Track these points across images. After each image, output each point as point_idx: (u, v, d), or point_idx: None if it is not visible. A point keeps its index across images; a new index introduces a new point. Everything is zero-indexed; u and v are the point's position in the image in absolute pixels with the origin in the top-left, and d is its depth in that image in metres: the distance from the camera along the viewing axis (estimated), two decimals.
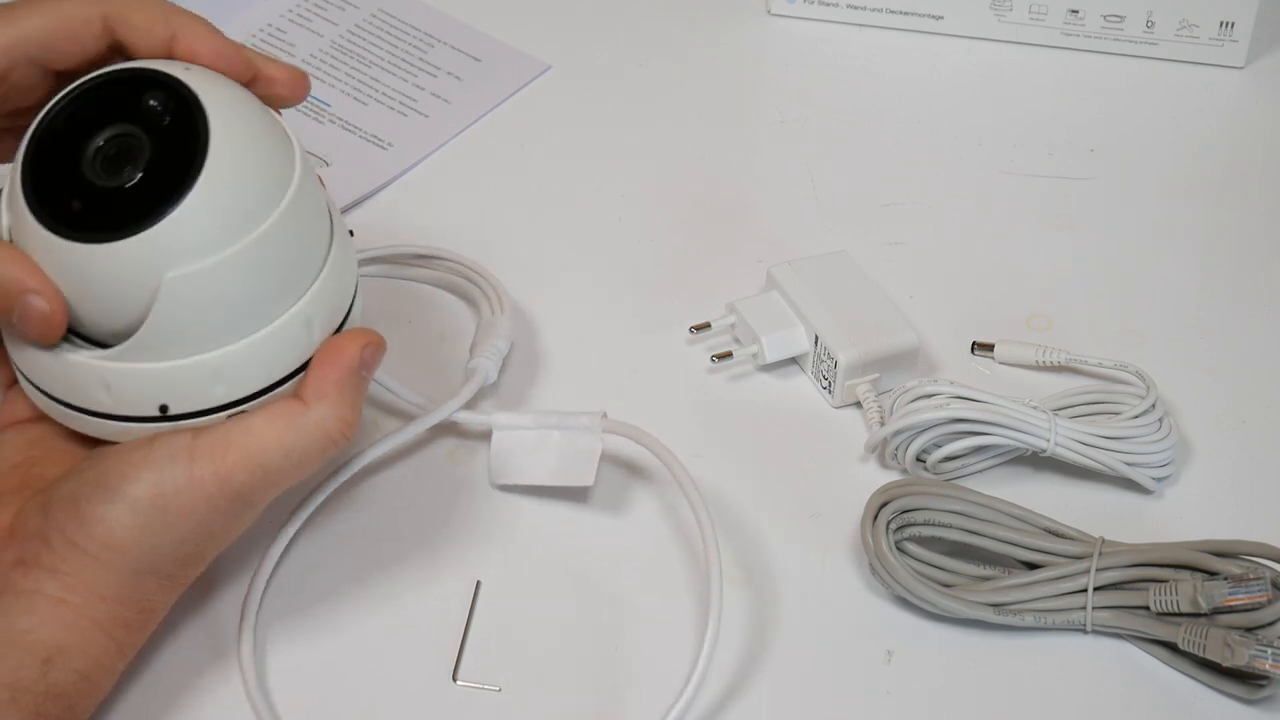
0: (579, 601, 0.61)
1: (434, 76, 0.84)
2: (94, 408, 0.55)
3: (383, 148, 0.80)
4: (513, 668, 0.59)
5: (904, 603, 0.61)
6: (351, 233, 0.60)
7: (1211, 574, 0.59)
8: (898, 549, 0.61)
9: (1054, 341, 0.70)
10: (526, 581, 0.62)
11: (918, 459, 0.65)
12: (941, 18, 0.87)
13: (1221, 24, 0.85)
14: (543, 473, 0.64)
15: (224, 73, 0.56)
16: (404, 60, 0.85)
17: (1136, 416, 0.65)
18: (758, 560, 0.63)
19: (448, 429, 0.67)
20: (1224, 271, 0.76)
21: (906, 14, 0.87)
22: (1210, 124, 0.84)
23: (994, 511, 0.61)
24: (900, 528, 0.61)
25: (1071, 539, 0.61)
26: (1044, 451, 0.64)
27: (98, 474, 0.54)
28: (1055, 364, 0.70)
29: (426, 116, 0.82)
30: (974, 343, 0.71)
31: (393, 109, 0.82)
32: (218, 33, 0.57)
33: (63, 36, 0.56)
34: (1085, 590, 0.60)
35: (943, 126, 0.83)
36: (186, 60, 0.56)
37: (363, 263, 0.70)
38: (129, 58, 0.57)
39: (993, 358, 0.71)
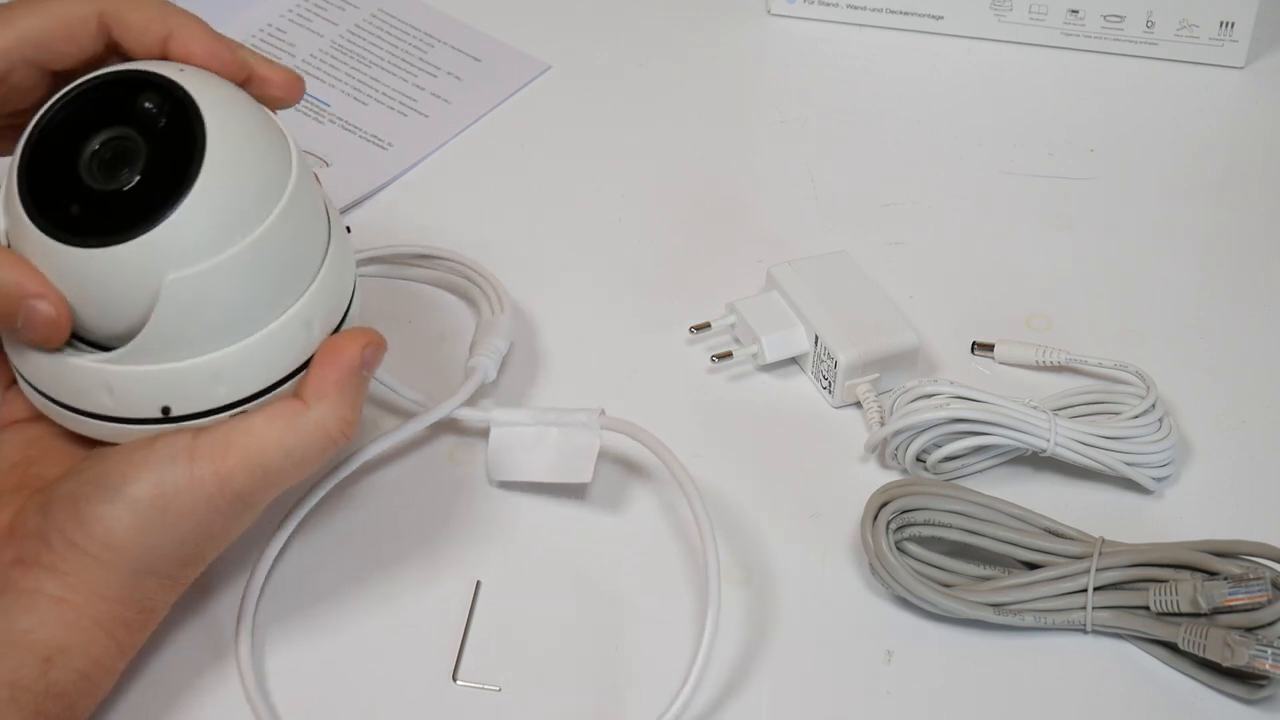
0: (579, 601, 0.61)
1: (434, 76, 0.84)
2: (96, 410, 0.55)
3: (383, 148, 0.80)
4: (513, 668, 0.59)
5: (904, 603, 0.61)
6: (349, 229, 0.60)
7: (1211, 574, 0.59)
8: (898, 549, 0.61)
9: (1054, 341, 0.70)
10: (526, 581, 0.62)
11: (918, 459, 0.65)
12: (941, 18, 0.87)
13: (1221, 24, 0.85)
14: (541, 469, 0.64)
15: (218, 72, 0.56)
16: (404, 60, 0.85)
17: (1136, 416, 0.65)
18: (757, 560, 0.63)
19: (447, 428, 0.67)
20: (1224, 271, 0.76)
21: (906, 14, 0.87)
22: (1210, 124, 0.84)
23: (994, 511, 0.61)
24: (900, 528, 0.61)
25: (1071, 539, 0.61)
26: (1044, 451, 0.64)
27: (98, 474, 0.54)
28: (1055, 364, 0.70)
29: (426, 116, 0.82)
30: (974, 343, 0.71)
31: (393, 109, 0.82)
32: (213, 32, 0.57)
33: (60, 36, 0.56)
34: (1085, 590, 0.60)
35: (943, 126, 0.83)
36: (181, 60, 0.56)
37: (362, 262, 0.70)
38: (125, 57, 0.57)
39: (993, 358, 0.71)
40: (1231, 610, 0.58)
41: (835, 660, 0.60)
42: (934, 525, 0.61)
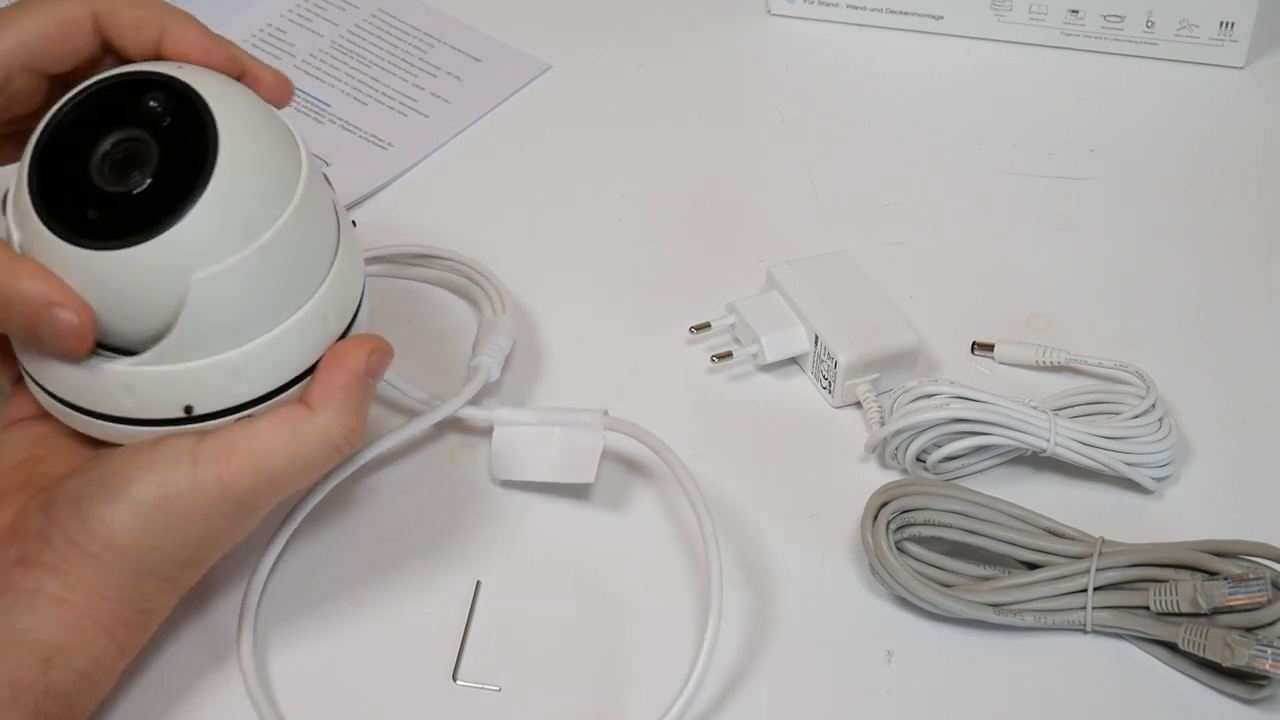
0: (579, 601, 0.61)
1: (434, 76, 0.84)
2: (116, 413, 0.55)
3: (383, 148, 0.80)
4: (513, 668, 0.59)
5: (904, 603, 0.61)
6: (354, 223, 0.60)
7: (1211, 574, 0.59)
8: (898, 549, 0.61)
9: (1054, 341, 0.70)
10: (527, 581, 0.62)
11: (918, 459, 0.65)
12: (941, 18, 0.87)
13: (1221, 24, 0.85)
14: (544, 469, 0.64)
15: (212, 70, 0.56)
16: (404, 60, 0.85)
17: (1136, 416, 0.65)
18: (758, 560, 0.63)
19: (450, 427, 0.67)
20: (1224, 271, 0.76)
21: (906, 14, 0.87)
22: (1210, 124, 0.84)
23: (994, 511, 0.61)
24: (900, 528, 0.61)
25: (1071, 539, 0.61)
26: (1044, 451, 0.64)
27: (102, 474, 0.53)
28: (1055, 364, 0.70)
29: (426, 116, 0.82)
30: (974, 343, 0.71)
31: (393, 109, 0.82)
32: (206, 30, 0.57)
33: (58, 38, 0.56)
34: (1085, 590, 0.60)
35: (943, 126, 0.83)
36: (175, 58, 0.56)
37: (365, 262, 0.70)
38: (119, 56, 0.57)
39: (993, 358, 0.71)
40: (1231, 610, 0.58)
41: (835, 660, 0.60)
42: (934, 525, 0.61)
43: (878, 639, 0.61)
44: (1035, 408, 0.64)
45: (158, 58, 0.56)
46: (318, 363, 0.56)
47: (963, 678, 0.60)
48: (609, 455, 0.65)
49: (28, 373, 0.56)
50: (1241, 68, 0.86)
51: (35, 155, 0.54)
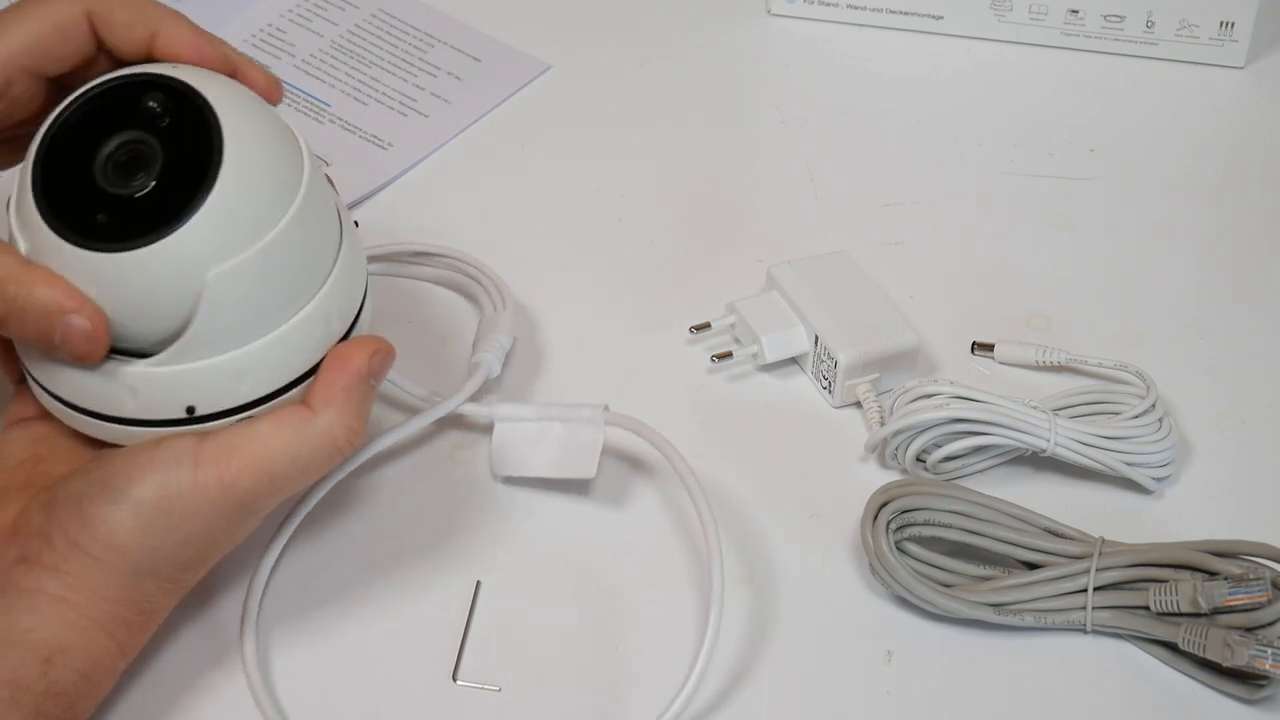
0: (580, 600, 0.61)
1: (434, 76, 0.84)
2: (118, 413, 0.55)
3: (383, 148, 0.80)
4: (513, 668, 0.59)
5: (904, 603, 0.61)
6: (356, 223, 0.60)
7: (1211, 574, 0.59)
8: (898, 549, 0.61)
9: (1054, 341, 0.70)
10: (527, 580, 0.62)
11: (918, 459, 0.65)
12: (941, 18, 0.87)
13: (1221, 24, 0.85)
14: (545, 465, 0.64)
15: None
16: (404, 60, 0.85)
17: (1136, 416, 0.65)
18: (758, 560, 0.63)
19: (451, 425, 0.67)
20: (1224, 271, 0.76)
21: (906, 14, 0.87)
22: (1210, 124, 0.84)
23: (994, 511, 0.61)
24: (900, 528, 0.61)
25: (1071, 539, 0.61)
26: (1044, 451, 0.64)
27: (103, 474, 0.54)
28: (1055, 364, 0.70)
29: (426, 116, 0.82)
30: (974, 343, 0.71)
31: (393, 109, 0.82)
32: (198, 30, 0.57)
33: (56, 40, 0.56)
34: (1085, 590, 0.60)
35: (943, 126, 0.83)
36: (167, 58, 0.56)
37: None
38: (112, 56, 0.57)
39: (993, 358, 0.71)
40: (1231, 610, 0.58)
41: (835, 660, 0.60)
42: (934, 525, 0.61)
43: (878, 639, 0.61)
44: (1035, 408, 0.64)
45: (150, 57, 0.56)
46: (320, 364, 0.56)
47: (963, 678, 0.60)
48: (610, 451, 0.65)
49: (30, 373, 0.56)
50: (1241, 68, 0.86)
51: (39, 160, 0.54)
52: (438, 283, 0.73)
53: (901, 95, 0.85)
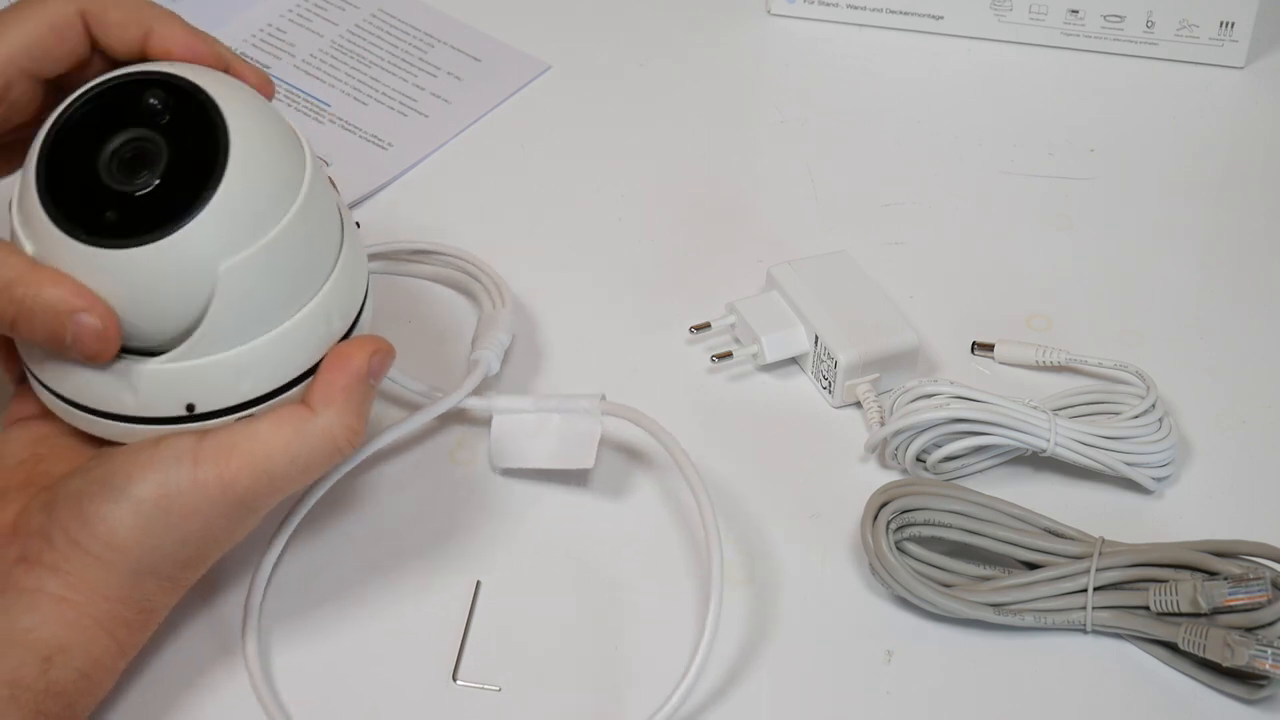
0: (579, 594, 0.61)
1: (434, 76, 0.84)
2: (118, 411, 0.55)
3: (383, 148, 0.80)
4: (513, 668, 0.59)
5: (904, 603, 0.61)
6: (357, 224, 0.60)
7: (1211, 574, 0.59)
8: (898, 549, 0.61)
9: (1054, 341, 0.70)
10: (527, 577, 0.62)
11: (918, 459, 0.65)
12: (941, 18, 0.87)
13: (1221, 24, 0.85)
14: (543, 456, 0.64)
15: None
16: (404, 60, 0.85)
17: (1136, 416, 0.65)
18: (758, 560, 0.63)
19: (450, 421, 0.67)
20: (1224, 271, 0.76)
21: (906, 14, 0.87)
22: (1210, 124, 0.84)
23: (994, 511, 0.61)
24: (900, 528, 0.61)
25: (1071, 539, 0.61)
26: (1044, 451, 0.64)
27: (103, 473, 0.54)
28: (1055, 364, 0.70)
29: (426, 116, 0.82)
30: (974, 343, 0.71)
31: (393, 109, 0.82)
32: (191, 28, 0.57)
33: (52, 41, 0.56)
34: (1085, 590, 0.60)
35: (943, 126, 0.83)
36: (161, 56, 0.56)
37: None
38: (106, 55, 0.57)
39: (993, 358, 0.71)
40: (1231, 610, 0.58)
41: (835, 660, 0.60)
42: (934, 525, 0.61)
43: (878, 639, 0.61)
44: (1035, 408, 0.64)
45: (144, 57, 0.56)
46: (320, 363, 0.56)
47: (963, 678, 0.60)
48: (608, 443, 0.65)
49: (31, 371, 0.56)
50: (1241, 68, 0.86)
51: (42, 159, 0.54)
52: (437, 280, 0.73)
53: (901, 95, 0.85)
